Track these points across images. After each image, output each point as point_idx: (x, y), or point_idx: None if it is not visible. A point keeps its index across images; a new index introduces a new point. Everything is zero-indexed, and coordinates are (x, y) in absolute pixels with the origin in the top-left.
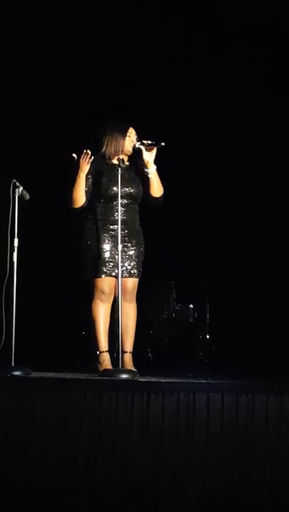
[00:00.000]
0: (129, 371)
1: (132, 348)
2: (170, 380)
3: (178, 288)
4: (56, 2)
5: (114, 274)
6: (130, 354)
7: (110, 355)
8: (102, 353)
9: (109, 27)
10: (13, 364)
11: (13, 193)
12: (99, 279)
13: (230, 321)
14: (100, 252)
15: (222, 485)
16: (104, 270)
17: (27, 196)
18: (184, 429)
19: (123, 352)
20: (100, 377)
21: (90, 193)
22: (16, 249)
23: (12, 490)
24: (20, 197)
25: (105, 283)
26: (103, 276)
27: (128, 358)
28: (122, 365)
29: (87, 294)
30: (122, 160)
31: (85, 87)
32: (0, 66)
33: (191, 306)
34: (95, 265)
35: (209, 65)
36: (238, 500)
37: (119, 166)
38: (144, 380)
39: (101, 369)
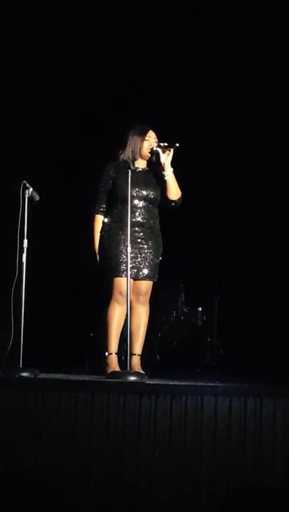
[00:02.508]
0: (137, 373)
1: (140, 350)
2: (178, 383)
3: (187, 291)
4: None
5: (132, 275)
6: (139, 357)
7: (118, 357)
8: (110, 355)
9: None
10: (21, 365)
11: (23, 194)
12: (117, 280)
13: (238, 324)
14: (116, 253)
15: (230, 488)
16: (121, 271)
17: (37, 197)
18: (192, 431)
19: (131, 354)
20: (108, 379)
21: (109, 197)
22: (25, 250)
23: (21, 491)
24: (30, 198)
25: (122, 284)
26: (120, 276)
27: (136, 361)
28: (130, 368)
29: (100, 296)
30: (133, 163)
31: (99, 89)
32: (16, 68)
33: (200, 309)
34: (112, 266)
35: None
36: (247, 503)
37: (129, 168)
38: (152, 382)
39: (108, 371)
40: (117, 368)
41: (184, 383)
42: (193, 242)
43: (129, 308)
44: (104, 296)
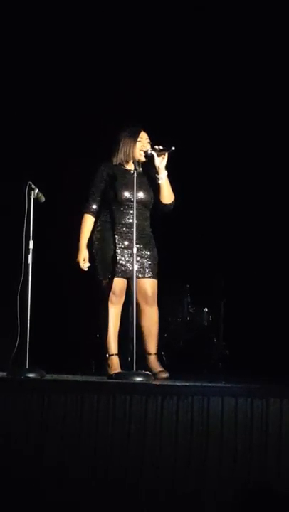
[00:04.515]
0: (143, 374)
1: (156, 349)
2: (184, 384)
3: (192, 291)
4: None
5: (125, 275)
6: (155, 356)
7: (125, 358)
8: (112, 356)
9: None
10: (27, 366)
11: (29, 195)
12: (109, 280)
13: (244, 325)
14: (110, 253)
15: (236, 488)
16: (116, 271)
17: (42, 199)
18: (198, 432)
19: (147, 354)
20: (114, 380)
21: (102, 199)
22: (31, 251)
23: (27, 491)
24: (36, 199)
25: (116, 284)
26: (114, 277)
27: (154, 359)
28: (149, 368)
29: (98, 296)
30: (138, 163)
31: (99, 92)
32: (20, 70)
33: (206, 309)
34: (106, 267)
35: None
36: (253, 504)
37: (135, 169)
38: (158, 383)
39: (110, 372)
40: (119, 369)
41: (190, 384)
42: (199, 242)
43: (138, 311)
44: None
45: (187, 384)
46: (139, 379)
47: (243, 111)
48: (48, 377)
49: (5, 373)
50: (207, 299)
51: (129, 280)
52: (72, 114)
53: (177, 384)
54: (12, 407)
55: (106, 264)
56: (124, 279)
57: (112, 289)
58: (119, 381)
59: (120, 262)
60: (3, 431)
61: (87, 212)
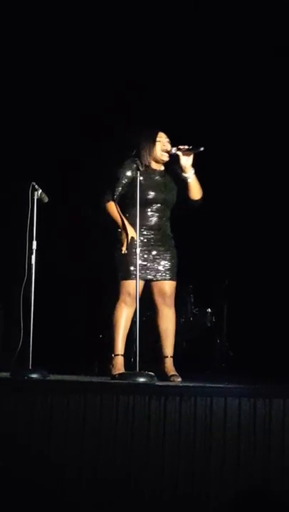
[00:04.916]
0: (146, 375)
1: (172, 352)
2: (187, 384)
3: (196, 292)
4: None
5: (144, 277)
6: (171, 359)
7: (128, 359)
8: (117, 356)
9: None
10: (30, 367)
11: (32, 195)
12: (126, 282)
13: (247, 326)
14: (131, 256)
15: (239, 489)
16: (134, 273)
17: (46, 199)
18: (201, 433)
19: (164, 357)
20: (117, 381)
21: (121, 195)
22: (34, 251)
23: (30, 492)
24: (39, 200)
25: (132, 286)
26: (131, 278)
27: (170, 362)
28: (164, 370)
29: (110, 297)
30: (141, 164)
31: (102, 92)
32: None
33: (209, 310)
34: (125, 268)
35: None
36: (256, 505)
37: (138, 169)
38: (161, 383)
39: (114, 372)
40: (122, 370)
41: (193, 384)
42: (203, 242)
43: (156, 312)
44: (110, 296)
45: (190, 385)
46: (142, 379)
47: (244, 115)
48: (51, 377)
49: (8, 374)
50: (210, 300)
51: (147, 282)
52: (75, 114)
53: (180, 384)
54: (15, 407)
55: (126, 265)
56: (141, 281)
57: (128, 291)
58: (123, 382)
59: (137, 264)
60: (6, 431)
61: (111, 200)
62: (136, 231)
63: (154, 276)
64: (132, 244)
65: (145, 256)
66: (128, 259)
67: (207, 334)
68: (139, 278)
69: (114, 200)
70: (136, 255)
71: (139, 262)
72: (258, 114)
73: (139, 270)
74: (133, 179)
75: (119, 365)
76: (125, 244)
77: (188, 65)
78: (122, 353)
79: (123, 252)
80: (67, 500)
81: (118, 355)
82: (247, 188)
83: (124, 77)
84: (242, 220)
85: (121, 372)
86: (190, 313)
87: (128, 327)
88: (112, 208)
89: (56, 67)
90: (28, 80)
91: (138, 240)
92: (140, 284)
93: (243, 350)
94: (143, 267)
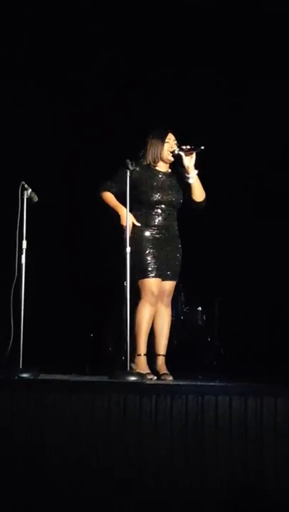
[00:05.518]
0: (136, 374)
1: (165, 351)
2: (179, 383)
3: (186, 291)
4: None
5: (159, 276)
6: (164, 357)
7: (119, 357)
8: (140, 356)
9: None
10: (21, 366)
11: (22, 195)
12: (147, 280)
13: (238, 324)
14: (144, 255)
15: (232, 487)
16: (153, 272)
17: (35, 198)
18: (193, 431)
19: (157, 355)
20: (108, 380)
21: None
22: (24, 251)
23: (23, 492)
24: (29, 199)
25: (154, 284)
26: (152, 277)
27: (162, 361)
28: (156, 368)
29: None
30: (131, 163)
31: (95, 91)
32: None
33: (200, 308)
34: (141, 268)
35: None
36: (249, 502)
37: (127, 168)
38: (152, 382)
39: (136, 371)
40: (147, 370)
41: (185, 383)
42: (193, 241)
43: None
44: (109, 296)
45: (181, 383)
46: (132, 378)
47: (243, 118)
48: (42, 377)
49: None
50: (201, 299)
51: (163, 280)
52: (66, 114)
53: (171, 383)
54: (6, 407)
55: (140, 266)
56: (159, 279)
57: (151, 289)
58: (114, 381)
59: (155, 262)
60: None
61: (105, 190)
62: (150, 231)
63: (161, 275)
64: (143, 244)
65: (156, 254)
66: (143, 258)
67: (198, 333)
68: (157, 276)
69: (107, 191)
70: (150, 254)
71: (153, 260)
72: (251, 112)
73: (156, 269)
74: (135, 182)
75: (142, 364)
76: (126, 220)
77: (189, 65)
78: (145, 353)
79: (124, 224)
80: (59, 499)
81: (141, 354)
82: (239, 187)
83: (114, 74)
84: (232, 219)
85: (146, 371)
86: (181, 311)
87: (150, 326)
88: (107, 196)
89: (46, 61)
90: (21, 76)
91: (128, 241)
92: (160, 282)
93: (234, 349)
94: (157, 266)
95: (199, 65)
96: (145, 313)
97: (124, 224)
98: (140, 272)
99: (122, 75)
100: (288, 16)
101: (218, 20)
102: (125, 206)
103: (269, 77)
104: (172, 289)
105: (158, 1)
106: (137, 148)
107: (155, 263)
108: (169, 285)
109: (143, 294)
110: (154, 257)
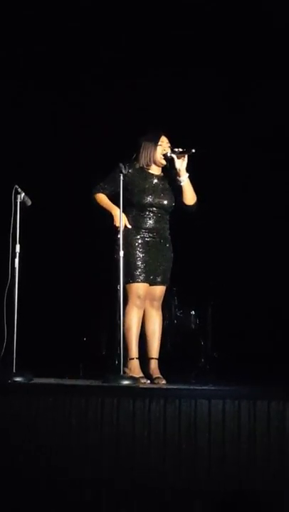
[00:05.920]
0: (130, 377)
1: (157, 354)
2: (172, 387)
3: (180, 294)
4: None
5: (147, 280)
6: (156, 361)
7: (112, 361)
8: (132, 360)
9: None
10: (14, 370)
11: (15, 198)
12: (134, 285)
13: (232, 327)
14: (133, 259)
15: (225, 490)
16: (140, 276)
17: (29, 202)
18: (186, 435)
19: (150, 358)
20: (101, 384)
21: (110, 192)
22: (17, 255)
23: (17, 496)
24: (22, 203)
25: (141, 288)
26: (139, 281)
27: (155, 364)
28: (149, 372)
29: (107, 301)
30: (125, 166)
31: (90, 94)
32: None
33: (193, 312)
34: (131, 271)
35: None
36: (242, 505)
37: (121, 172)
38: (145, 386)
39: (129, 375)
40: (140, 374)
41: (178, 387)
42: (187, 244)
43: (144, 314)
44: (102, 300)
45: (174, 387)
46: (126, 382)
47: (239, 119)
48: (35, 381)
49: None
50: (194, 302)
51: (150, 284)
52: (60, 117)
53: (164, 387)
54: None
55: (131, 269)
56: (146, 284)
57: (137, 293)
58: (107, 384)
59: (144, 266)
60: None
61: (98, 192)
62: (141, 234)
63: (151, 280)
64: (133, 247)
65: (146, 259)
66: (131, 262)
67: (191, 336)
68: (144, 281)
69: (100, 192)
70: (139, 258)
71: (142, 265)
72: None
73: (144, 274)
74: (127, 185)
75: (135, 368)
76: (119, 222)
77: (189, 65)
78: (138, 356)
79: (117, 225)
80: (53, 502)
81: (133, 358)
82: (231, 190)
83: (123, 77)
84: (226, 222)
85: (139, 375)
86: (174, 315)
87: (139, 329)
88: (100, 196)
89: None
90: (20, 76)
91: (121, 244)
92: (147, 286)
93: (228, 352)
94: (146, 270)
95: (199, 65)
96: (133, 316)
97: (117, 225)
98: (128, 275)
99: (121, 75)
100: (288, 16)
101: (218, 20)
102: (131, 209)
103: (269, 77)
104: (162, 293)
105: (158, 1)
106: (135, 150)
107: (144, 268)
108: (159, 290)
109: (130, 297)
110: (143, 262)
